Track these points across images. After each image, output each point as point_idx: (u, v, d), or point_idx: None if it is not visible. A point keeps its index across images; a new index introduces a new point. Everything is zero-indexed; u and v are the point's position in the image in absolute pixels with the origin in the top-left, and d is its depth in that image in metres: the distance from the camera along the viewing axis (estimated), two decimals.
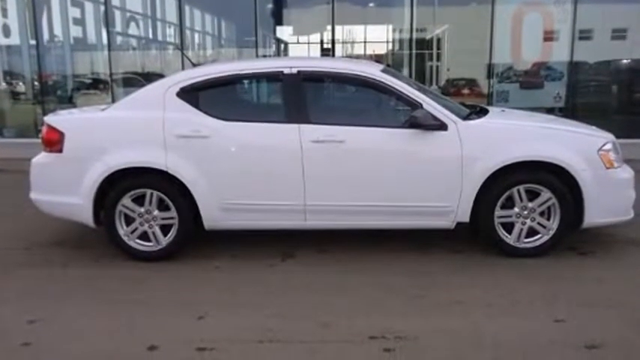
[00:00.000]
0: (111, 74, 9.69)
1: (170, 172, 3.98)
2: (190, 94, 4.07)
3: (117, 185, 4.04)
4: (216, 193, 4.02)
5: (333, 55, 9.75)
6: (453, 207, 4.01)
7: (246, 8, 9.39)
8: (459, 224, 4.09)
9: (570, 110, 9.00)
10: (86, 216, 4.10)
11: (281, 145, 3.98)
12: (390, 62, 11.01)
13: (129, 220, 4.11)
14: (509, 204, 4.03)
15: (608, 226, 4.33)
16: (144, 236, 4.12)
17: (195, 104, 4.05)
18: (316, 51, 10.84)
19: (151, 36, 11.06)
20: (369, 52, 11.99)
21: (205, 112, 4.03)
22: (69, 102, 9.88)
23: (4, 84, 10.32)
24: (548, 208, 4.01)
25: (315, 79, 4.29)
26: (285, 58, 7.41)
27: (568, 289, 3.53)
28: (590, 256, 4.17)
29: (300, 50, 11.86)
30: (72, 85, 10.28)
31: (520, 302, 3.35)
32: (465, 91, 9.94)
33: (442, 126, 3.95)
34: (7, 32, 10.04)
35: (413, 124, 3.93)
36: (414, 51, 9.91)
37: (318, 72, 4.29)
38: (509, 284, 3.62)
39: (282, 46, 11.78)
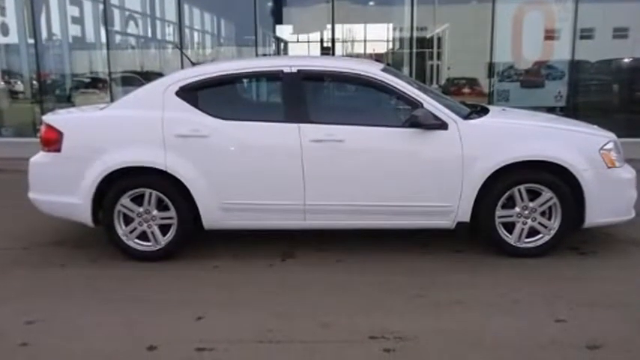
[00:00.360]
0: (110, 73, 9.67)
1: (169, 171, 3.96)
2: (189, 93, 4.05)
3: (116, 185, 4.02)
4: (215, 193, 4.01)
5: (333, 54, 9.74)
6: (454, 207, 4.00)
7: (246, 7, 9.37)
8: (459, 224, 4.07)
9: (571, 109, 8.99)
10: (85, 216, 4.08)
11: (281, 144, 3.97)
12: (391, 61, 11.00)
13: (128, 220, 4.09)
14: (510, 204, 4.02)
15: (610, 225, 4.31)
16: (143, 236, 4.11)
17: (195, 103, 4.03)
18: (316, 50, 10.82)
19: (150, 35, 11.05)
20: (369, 51, 11.99)
21: (205, 112, 4.01)
22: (67, 101, 9.87)
23: (2, 83, 10.29)
24: (549, 207, 4.00)
25: (315, 78, 4.27)
26: (284, 57, 7.37)
27: (569, 289, 3.51)
28: (591, 256, 4.16)
29: (300, 49, 11.85)
30: (70, 84, 10.27)
31: (520, 302, 3.34)
32: (466, 90, 9.91)
33: (443, 125, 3.93)
34: (5, 31, 10.01)
35: (413, 123, 3.91)
36: (414, 50, 9.87)
37: (318, 71, 4.26)
38: (510, 284, 3.60)
39: (282, 44, 11.76)
